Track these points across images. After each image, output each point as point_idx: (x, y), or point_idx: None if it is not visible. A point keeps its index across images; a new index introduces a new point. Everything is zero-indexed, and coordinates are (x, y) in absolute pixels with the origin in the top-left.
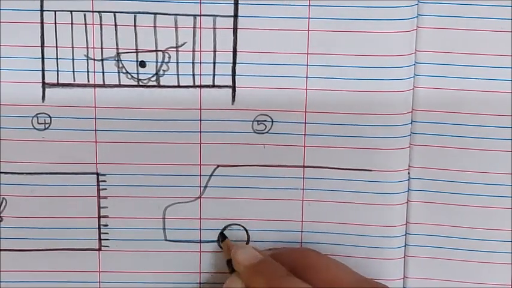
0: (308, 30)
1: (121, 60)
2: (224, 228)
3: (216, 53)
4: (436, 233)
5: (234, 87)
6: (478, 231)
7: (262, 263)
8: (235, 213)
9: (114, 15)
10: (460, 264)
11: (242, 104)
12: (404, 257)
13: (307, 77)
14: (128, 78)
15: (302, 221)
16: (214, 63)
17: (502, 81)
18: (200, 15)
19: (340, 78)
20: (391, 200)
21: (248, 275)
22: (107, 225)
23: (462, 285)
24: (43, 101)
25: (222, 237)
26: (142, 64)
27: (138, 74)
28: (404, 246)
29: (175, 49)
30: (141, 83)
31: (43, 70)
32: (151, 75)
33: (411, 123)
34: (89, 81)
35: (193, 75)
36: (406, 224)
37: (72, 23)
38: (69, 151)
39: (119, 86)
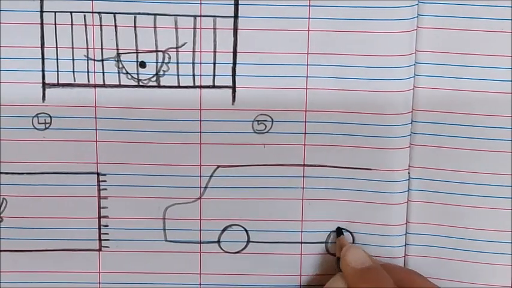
0: (308, 30)
1: (121, 61)
2: (339, 230)
3: (216, 53)
4: (436, 233)
5: (234, 88)
6: (478, 232)
7: (371, 269)
8: (236, 214)
9: (114, 16)
10: (459, 264)
11: (242, 104)
12: (404, 257)
13: (307, 77)
14: (128, 78)
15: (302, 221)
16: (214, 63)
17: (502, 82)
18: (200, 16)
19: (340, 78)
20: (391, 200)
21: (355, 278)
22: (107, 226)
23: (462, 285)
24: (43, 101)
25: (338, 233)
26: (142, 64)
27: (138, 74)
28: (405, 245)
29: (175, 50)
30: (141, 84)
31: (43, 70)
32: (151, 75)
33: (411, 123)
34: (89, 81)
35: (194, 75)
36: (406, 223)
37: (72, 24)
38: (69, 151)
39: (119, 86)
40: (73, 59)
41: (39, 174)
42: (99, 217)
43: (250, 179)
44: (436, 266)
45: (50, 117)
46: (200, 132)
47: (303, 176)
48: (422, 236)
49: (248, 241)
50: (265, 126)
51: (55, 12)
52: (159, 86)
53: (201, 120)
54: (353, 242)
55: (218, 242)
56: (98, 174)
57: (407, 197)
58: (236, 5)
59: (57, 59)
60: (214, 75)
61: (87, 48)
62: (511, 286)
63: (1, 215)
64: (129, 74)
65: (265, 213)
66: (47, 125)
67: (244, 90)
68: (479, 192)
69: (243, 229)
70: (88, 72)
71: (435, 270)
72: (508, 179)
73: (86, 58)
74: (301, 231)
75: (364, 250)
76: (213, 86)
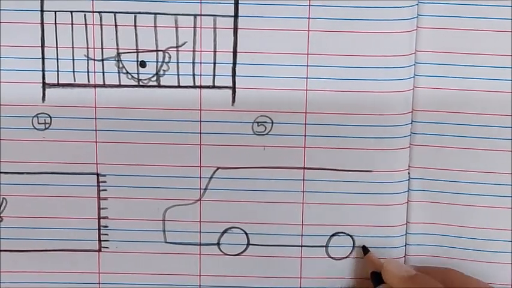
0: (308, 31)
1: (121, 60)
2: (365, 248)
3: (216, 53)
4: (436, 233)
5: (234, 88)
6: (478, 231)
7: (419, 276)
8: (235, 216)
9: (115, 16)
10: (460, 263)
11: (242, 105)
12: (404, 257)
13: (307, 78)
14: (128, 78)
15: (302, 224)
16: (214, 63)
17: (502, 81)
18: (200, 15)
19: (340, 79)
20: (391, 200)
21: (406, 284)
22: (106, 227)
23: None
24: (43, 101)
25: (365, 250)
26: (142, 64)
27: (138, 74)
28: (405, 245)
29: (175, 49)
30: (141, 83)
31: (43, 70)
32: (151, 75)
33: (411, 123)
34: (89, 81)
35: (194, 75)
36: (406, 223)
37: (72, 23)
38: (69, 151)
39: (119, 86)
40: (73, 59)
41: (39, 174)
42: (99, 218)
43: (250, 181)
44: (437, 266)
45: (50, 117)
46: (200, 133)
47: (303, 179)
48: (423, 236)
49: (248, 244)
50: (265, 128)
51: (55, 11)
52: (159, 86)
53: (201, 121)
54: (353, 245)
55: (218, 244)
56: (98, 175)
57: (408, 197)
58: (236, 4)
59: (57, 58)
60: (214, 75)
61: (87, 47)
62: (511, 285)
63: (1, 215)
64: (129, 73)
65: (265, 216)
66: (47, 125)
67: (244, 91)
68: (479, 192)
69: (242, 232)
70: (88, 72)
71: None
72: (508, 178)
73: (86, 58)
74: (301, 235)
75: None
76: (213, 86)
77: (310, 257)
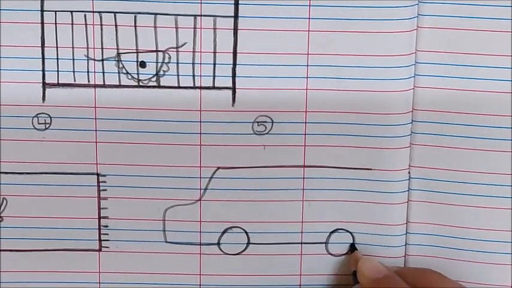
0: (308, 31)
1: (121, 61)
2: (353, 246)
3: (216, 53)
4: (436, 233)
5: (234, 89)
6: (478, 231)
7: (386, 278)
8: (236, 216)
9: (115, 16)
10: (459, 264)
11: (242, 105)
12: (404, 256)
13: (307, 78)
14: (128, 78)
15: (302, 222)
16: (214, 64)
17: (502, 81)
18: (200, 16)
19: (340, 78)
20: (391, 199)
21: (371, 287)
22: (107, 226)
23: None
24: (43, 101)
25: (352, 248)
26: (142, 64)
27: (138, 74)
28: (405, 245)
29: (175, 49)
30: (141, 84)
31: (43, 70)
32: (151, 75)
33: (411, 122)
34: (89, 81)
35: (194, 76)
36: (406, 223)
37: (72, 23)
38: (69, 151)
39: (119, 86)
40: (73, 59)
41: (39, 174)
42: (99, 217)
43: (250, 180)
44: (436, 266)
45: (50, 117)
46: (200, 133)
47: (303, 178)
48: (423, 236)
49: (248, 243)
50: (265, 128)
51: (55, 11)
52: (159, 86)
53: (201, 122)
54: (353, 243)
55: (218, 243)
56: (98, 175)
57: (408, 196)
58: (236, 4)
59: (57, 58)
60: (214, 76)
61: (88, 48)
62: (511, 286)
63: (1, 215)
64: (129, 74)
65: (265, 214)
66: (47, 125)
67: (244, 91)
68: (479, 192)
69: (243, 231)
70: (88, 72)
71: (435, 269)
72: (508, 179)
73: (86, 58)
74: (301, 232)
75: (378, 261)
76: (213, 87)
77: (310, 253)
